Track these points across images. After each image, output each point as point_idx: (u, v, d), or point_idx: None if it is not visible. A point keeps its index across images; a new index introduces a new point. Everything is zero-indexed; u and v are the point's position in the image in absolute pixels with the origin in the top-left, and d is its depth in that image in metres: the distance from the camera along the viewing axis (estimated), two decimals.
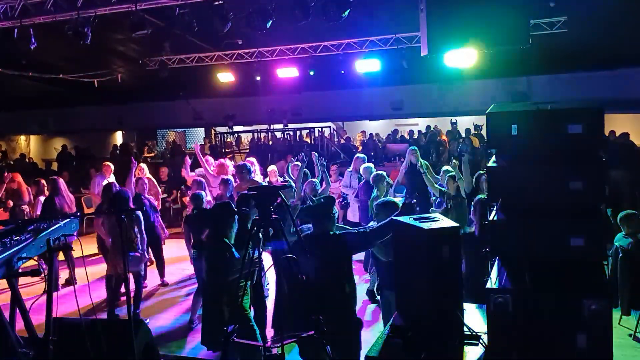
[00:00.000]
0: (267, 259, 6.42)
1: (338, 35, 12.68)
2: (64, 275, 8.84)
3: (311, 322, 3.72)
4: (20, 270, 3.53)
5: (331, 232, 4.35)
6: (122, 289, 8.02)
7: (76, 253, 4.23)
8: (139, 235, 7.18)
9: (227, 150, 19.26)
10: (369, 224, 6.36)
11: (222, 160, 9.74)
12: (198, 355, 6.15)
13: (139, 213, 7.33)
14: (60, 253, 3.75)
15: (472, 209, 5.74)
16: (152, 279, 8.78)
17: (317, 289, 4.12)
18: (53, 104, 19.70)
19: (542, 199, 3.27)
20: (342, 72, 13.41)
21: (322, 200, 4.53)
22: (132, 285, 7.67)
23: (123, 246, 3.79)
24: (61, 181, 8.84)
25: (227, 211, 5.10)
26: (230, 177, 8.17)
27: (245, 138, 22.27)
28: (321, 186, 7.32)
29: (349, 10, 8.09)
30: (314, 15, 8.38)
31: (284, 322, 4.66)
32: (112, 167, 10.77)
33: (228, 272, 4.70)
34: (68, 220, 3.84)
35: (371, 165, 8.99)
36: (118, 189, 7.76)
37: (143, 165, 10.74)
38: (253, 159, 9.19)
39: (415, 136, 17.88)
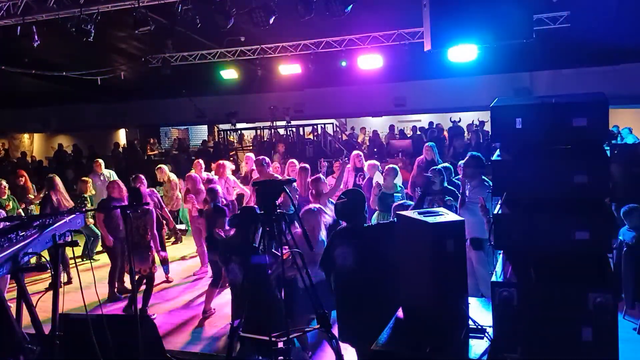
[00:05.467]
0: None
1: (340, 31, 12.66)
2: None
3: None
4: (27, 266, 3.54)
5: (365, 225, 4.45)
6: (127, 286, 8.12)
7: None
8: (150, 232, 7.24)
9: (229, 147, 19.26)
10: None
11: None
12: (203, 351, 6.17)
13: (153, 210, 7.41)
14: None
15: None
16: (156, 275, 8.79)
17: (360, 278, 4.23)
18: (56, 102, 19.74)
19: (546, 193, 3.27)
20: (344, 64, 13.36)
21: (349, 194, 4.56)
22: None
23: (128, 241, 3.79)
24: (58, 179, 8.87)
25: (251, 216, 5.11)
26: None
27: (248, 135, 22.28)
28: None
29: (351, 6, 8.08)
30: (317, 11, 8.37)
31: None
32: (103, 162, 10.94)
33: (265, 272, 4.64)
34: (73, 215, 3.85)
35: (377, 162, 9.00)
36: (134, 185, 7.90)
37: (163, 165, 10.87)
38: (251, 155, 9.26)
39: (419, 133, 17.87)
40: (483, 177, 6.00)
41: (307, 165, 8.48)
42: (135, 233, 7.05)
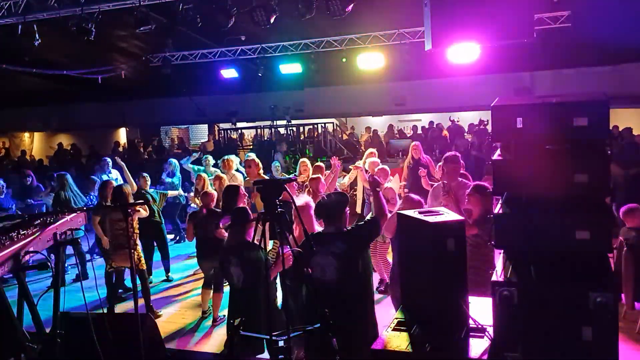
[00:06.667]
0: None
1: (341, 31, 12.67)
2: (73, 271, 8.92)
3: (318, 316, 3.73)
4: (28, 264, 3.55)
5: (344, 229, 4.36)
6: (127, 284, 8.12)
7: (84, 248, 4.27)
8: (135, 233, 7.17)
9: (230, 146, 19.26)
10: None
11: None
12: (203, 350, 6.18)
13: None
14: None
15: None
16: (157, 274, 8.81)
17: (335, 286, 4.14)
18: (56, 101, 19.74)
19: (547, 192, 3.27)
20: (344, 60, 13.39)
21: (334, 196, 4.50)
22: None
23: (128, 240, 3.79)
24: (69, 177, 8.93)
25: (244, 217, 5.11)
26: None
27: (249, 134, 22.28)
28: None
29: (352, 5, 8.09)
30: (317, 11, 8.38)
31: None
32: (110, 162, 10.78)
33: (263, 272, 4.56)
34: (74, 214, 3.86)
35: (377, 160, 8.99)
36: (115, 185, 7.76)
37: (174, 160, 10.82)
38: (253, 155, 9.21)
39: (419, 132, 17.87)
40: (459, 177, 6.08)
41: (322, 164, 8.47)
42: (119, 235, 6.93)
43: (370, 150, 9.55)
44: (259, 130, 19.62)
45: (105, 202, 7.70)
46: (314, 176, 7.38)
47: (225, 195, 6.54)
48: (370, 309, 4.32)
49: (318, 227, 5.15)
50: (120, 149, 20.25)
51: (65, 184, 8.78)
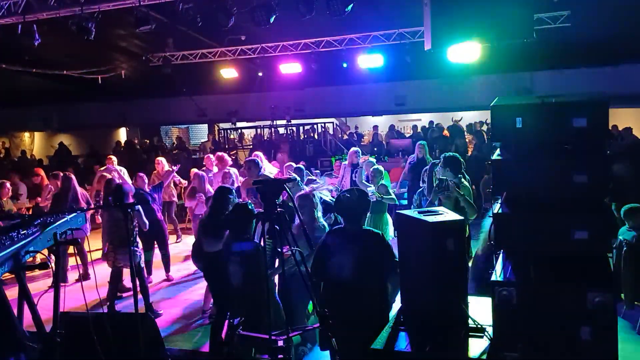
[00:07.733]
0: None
1: (341, 31, 12.67)
2: (75, 272, 8.89)
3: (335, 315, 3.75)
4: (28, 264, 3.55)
5: (365, 227, 4.35)
6: (126, 284, 8.11)
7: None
8: (137, 230, 7.16)
9: (230, 146, 19.27)
10: None
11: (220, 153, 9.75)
12: (203, 349, 6.18)
13: (139, 207, 7.26)
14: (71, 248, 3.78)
15: None
16: (157, 274, 8.81)
17: (352, 283, 4.14)
18: (56, 101, 19.74)
19: (546, 192, 3.27)
20: (345, 65, 13.40)
21: (357, 193, 4.49)
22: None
23: (128, 239, 3.78)
24: (73, 177, 8.94)
25: (247, 212, 5.09)
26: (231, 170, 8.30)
27: (249, 134, 22.29)
28: None
29: (352, 5, 8.09)
30: (317, 10, 8.38)
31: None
32: (115, 159, 10.79)
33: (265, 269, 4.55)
34: (74, 214, 3.86)
35: (372, 159, 9.04)
36: (117, 183, 7.77)
37: (161, 158, 10.79)
38: (260, 154, 9.19)
39: (419, 131, 17.87)
40: (460, 176, 6.11)
41: (302, 166, 8.51)
42: (122, 232, 6.82)
43: (353, 148, 9.64)
44: (258, 130, 19.63)
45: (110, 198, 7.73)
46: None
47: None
48: (386, 305, 4.34)
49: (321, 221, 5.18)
50: (121, 148, 20.27)
51: (70, 186, 8.74)
